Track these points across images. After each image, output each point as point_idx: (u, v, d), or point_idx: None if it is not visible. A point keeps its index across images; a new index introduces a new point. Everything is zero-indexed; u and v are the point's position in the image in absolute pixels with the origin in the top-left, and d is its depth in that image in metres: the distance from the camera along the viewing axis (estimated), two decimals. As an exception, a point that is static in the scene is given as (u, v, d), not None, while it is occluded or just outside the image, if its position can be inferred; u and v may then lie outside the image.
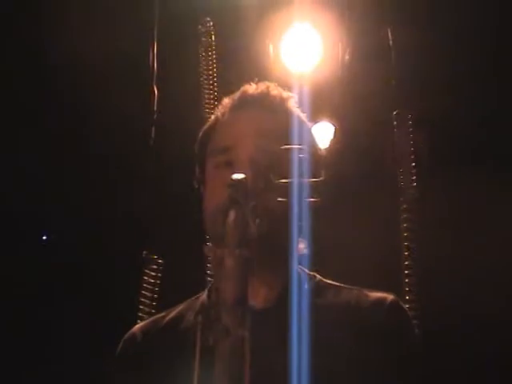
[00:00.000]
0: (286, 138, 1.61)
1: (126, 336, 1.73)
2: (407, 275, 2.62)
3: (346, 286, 1.65)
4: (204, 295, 1.73)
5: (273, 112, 1.66)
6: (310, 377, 1.41)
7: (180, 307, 1.74)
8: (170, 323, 1.69)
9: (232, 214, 1.23)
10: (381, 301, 1.58)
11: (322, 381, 1.41)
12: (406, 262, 2.61)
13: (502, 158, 2.76)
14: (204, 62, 2.88)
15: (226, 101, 1.72)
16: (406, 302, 2.67)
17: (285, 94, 1.70)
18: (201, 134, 1.74)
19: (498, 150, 2.77)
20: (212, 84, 2.88)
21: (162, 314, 1.75)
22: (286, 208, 1.52)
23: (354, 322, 1.53)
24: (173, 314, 1.73)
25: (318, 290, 1.64)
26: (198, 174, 1.73)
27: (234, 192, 1.26)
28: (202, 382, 1.21)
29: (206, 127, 1.73)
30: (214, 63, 2.91)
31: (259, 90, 1.69)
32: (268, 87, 1.69)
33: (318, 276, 1.69)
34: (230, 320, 1.19)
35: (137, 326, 1.75)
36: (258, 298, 1.55)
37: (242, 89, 1.71)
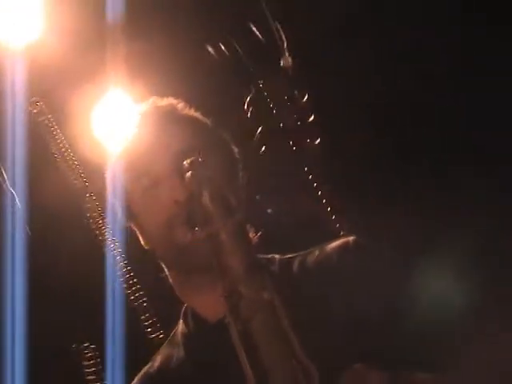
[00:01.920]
0: (190, 144, 1.61)
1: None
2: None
3: (305, 251, 1.66)
4: (179, 327, 1.68)
5: (170, 120, 1.66)
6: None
7: (161, 353, 1.68)
8: (162, 368, 1.63)
9: (206, 193, 1.19)
10: (344, 244, 1.59)
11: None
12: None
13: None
14: (52, 141, 2.81)
15: (121, 131, 1.71)
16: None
17: (172, 100, 1.71)
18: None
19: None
20: (69, 155, 2.81)
21: (147, 366, 1.68)
22: None
23: (331, 273, 1.53)
24: (158, 361, 1.66)
25: (283, 266, 1.64)
26: (124, 213, 1.69)
27: (196, 172, 1.21)
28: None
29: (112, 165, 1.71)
30: (62, 138, 2.84)
31: (148, 107, 1.68)
32: (154, 101, 1.69)
33: (276, 256, 1.68)
34: (251, 289, 1.15)
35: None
36: None
37: (131, 113, 1.70)
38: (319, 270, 1.57)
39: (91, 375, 2.73)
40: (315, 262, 1.59)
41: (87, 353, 2.76)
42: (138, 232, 1.68)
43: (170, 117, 1.66)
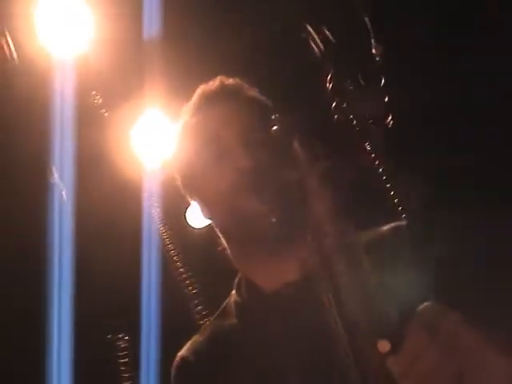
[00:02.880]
0: (256, 120, 1.64)
1: (178, 363, 1.66)
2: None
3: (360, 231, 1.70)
4: (231, 298, 1.71)
5: (237, 99, 1.69)
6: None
7: (211, 324, 1.72)
8: (212, 337, 1.66)
9: (295, 139, 1.24)
10: (397, 226, 1.64)
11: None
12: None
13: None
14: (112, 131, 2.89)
15: (187, 107, 1.74)
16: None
17: (238, 81, 1.75)
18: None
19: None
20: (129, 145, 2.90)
21: (197, 335, 1.71)
22: None
23: (380, 255, 1.53)
24: (208, 330, 1.70)
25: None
26: (184, 181, 1.72)
27: (284, 121, 1.27)
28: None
29: (176, 136, 1.75)
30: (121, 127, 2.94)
31: (215, 85, 1.72)
32: (221, 80, 1.73)
33: None
34: (335, 230, 1.20)
35: (182, 352, 1.68)
36: None
37: (200, 90, 1.74)
38: (369, 249, 1.62)
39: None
40: (367, 241, 1.63)
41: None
42: (199, 203, 1.71)
43: (236, 94, 1.70)
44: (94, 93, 2.93)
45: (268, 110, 1.73)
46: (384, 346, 1.14)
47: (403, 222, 1.66)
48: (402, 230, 1.63)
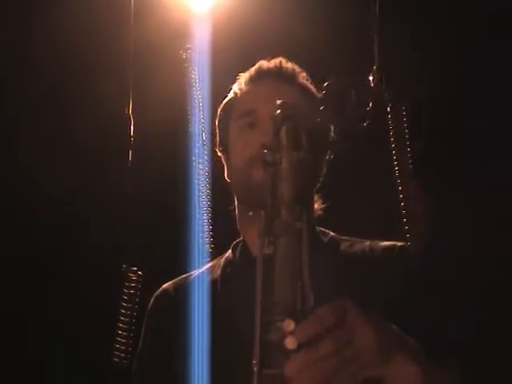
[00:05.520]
0: (301, 106, 1.77)
1: (158, 293, 1.85)
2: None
3: (358, 239, 1.81)
4: (225, 254, 1.88)
5: (288, 82, 1.85)
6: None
7: (205, 266, 1.88)
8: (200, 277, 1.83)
9: (283, 129, 1.37)
10: (391, 246, 1.74)
11: None
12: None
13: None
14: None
15: (243, 76, 1.92)
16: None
17: (296, 67, 1.90)
18: (223, 105, 1.93)
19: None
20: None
21: (184, 276, 1.89)
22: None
23: (368, 267, 1.67)
24: (196, 275, 1.87)
25: (331, 243, 1.79)
26: (221, 141, 1.91)
27: (285, 109, 1.40)
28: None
29: (227, 100, 1.92)
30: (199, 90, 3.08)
31: (273, 64, 1.88)
32: (281, 61, 1.89)
33: (331, 232, 1.86)
34: (289, 215, 1.33)
35: (165, 284, 1.88)
36: None
37: (258, 64, 1.90)
38: (360, 259, 1.72)
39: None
40: (361, 251, 1.74)
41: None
42: (224, 163, 1.90)
43: (288, 79, 1.84)
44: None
45: (314, 103, 1.83)
46: (288, 324, 1.22)
47: (402, 244, 1.74)
48: (397, 253, 1.72)
